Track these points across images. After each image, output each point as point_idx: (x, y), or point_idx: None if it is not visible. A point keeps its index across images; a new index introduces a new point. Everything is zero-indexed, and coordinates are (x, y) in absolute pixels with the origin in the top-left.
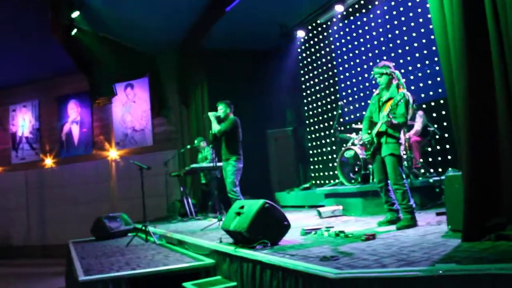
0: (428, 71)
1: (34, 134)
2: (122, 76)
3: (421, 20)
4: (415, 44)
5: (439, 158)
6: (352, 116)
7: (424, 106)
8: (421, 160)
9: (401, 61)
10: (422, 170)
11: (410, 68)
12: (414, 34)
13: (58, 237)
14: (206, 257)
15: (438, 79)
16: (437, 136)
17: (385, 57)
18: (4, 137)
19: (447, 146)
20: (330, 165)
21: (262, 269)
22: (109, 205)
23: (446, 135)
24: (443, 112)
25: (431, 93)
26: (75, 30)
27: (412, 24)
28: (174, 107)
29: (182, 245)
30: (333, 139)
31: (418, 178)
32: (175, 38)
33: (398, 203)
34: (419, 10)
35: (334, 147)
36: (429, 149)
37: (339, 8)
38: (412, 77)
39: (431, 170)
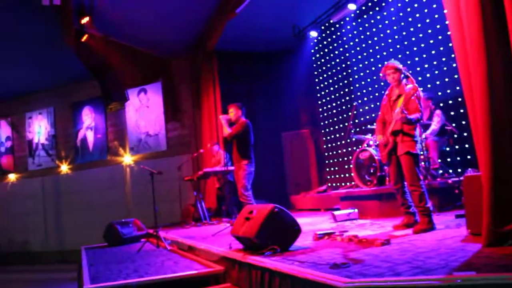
0: (445, 68)
1: (50, 140)
2: (135, 81)
3: (436, 16)
4: (431, 41)
5: (458, 158)
6: (368, 117)
7: (441, 104)
8: (439, 160)
9: (417, 58)
10: (441, 171)
11: (426, 66)
12: (429, 31)
13: (75, 242)
14: (215, 264)
15: (456, 76)
16: (455, 135)
17: (400, 55)
18: (20, 144)
19: (466, 146)
20: (346, 167)
21: (271, 276)
22: (125, 210)
23: (465, 134)
24: (461, 110)
25: (448, 91)
26: (85, 36)
27: (427, 20)
28: (187, 111)
29: (192, 251)
30: (348, 140)
31: (436, 179)
32: (187, 41)
33: (415, 206)
34: (434, 5)
35: (349, 149)
36: (448, 148)
37: (351, 7)
38: (428, 75)
39: (450, 171)
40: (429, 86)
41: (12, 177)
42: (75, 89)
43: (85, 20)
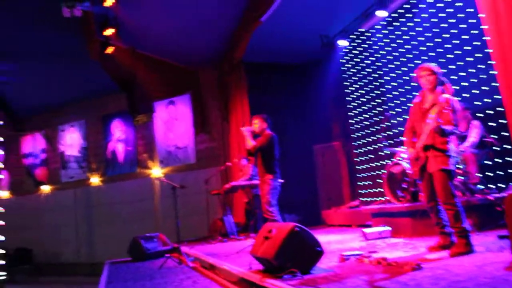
0: (483, 76)
1: (82, 153)
2: (163, 93)
3: (472, 21)
4: (467, 48)
5: (500, 172)
6: (401, 128)
7: (479, 115)
8: (479, 174)
9: (452, 66)
10: (480, 186)
11: (462, 74)
12: (465, 37)
13: (105, 255)
14: (235, 285)
15: (494, 84)
16: (496, 148)
17: (434, 64)
18: (54, 157)
19: (509, 159)
20: (379, 181)
21: None
22: (153, 223)
23: (509, 146)
24: (502, 121)
25: (486, 100)
26: (111, 48)
27: (463, 26)
28: (216, 123)
29: (213, 269)
30: (380, 153)
31: (476, 195)
32: (214, 52)
33: (450, 226)
34: (471, 10)
35: (382, 162)
36: (488, 162)
37: (382, 14)
38: (465, 84)
39: (491, 186)
40: (466, 95)
41: (45, 188)
42: (106, 101)
43: (109, 32)
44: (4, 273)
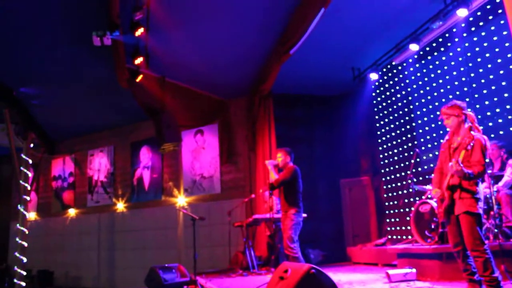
0: None
1: (109, 178)
2: (191, 122)
3: (509, 55)
4: (503, 83)
5: None
6: (432, 165)
7: None
8: None
9: (487, 102)
10: None
11: (497, 110)
12: (501, 72)
13: (126, 281)
14: None
15: None
16: None
17: (467, 99)
18: (82, 181)
19: None
20: (407, 218)
21: None
22: (175, 252)
23: None
24: None
25: None
26: (140, 76)
27: (499, 60)
28: (242, 154)
29: None
30: (409, 190)
31: (510, 239)
32: (243, 84)
33: (479, 275)
34: (506, 44)
35: (411, 199)
36: None
37: (414, 48)
38: (500, 120)
39: None
40: (501, 132)
41: (71, 212)
42: (135, 128)
43: (139, 60)
44: None
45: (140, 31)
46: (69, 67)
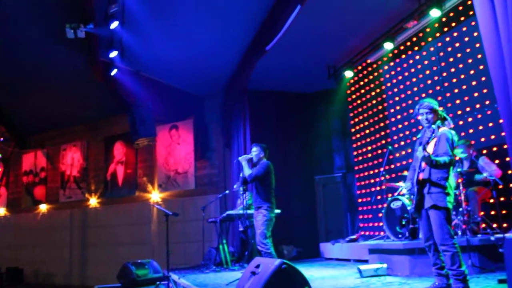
0: (488, 112)
1: (82, 173)
2: (165, 117)
3: (479, 56)
4: (473, 83)
5: (504, 212)
6: (404, 162)
7: (484, 151)
8: (482, 213)
9: (458, 101)
10: (483, 225)
11: (468, 109)
12: (471, 72)
13: (98, 278)
14: None
15: (501, 121)
16: (500, 186)
17: (439, 97)
18: (54, 176)
19: None
20: (380, 215)
21: None
22: (149, 248)
23: None
24: (507, 159)
25: (492, 137)
26: (115, 70)
27: (470, 61)
28: (217, 150)
29: None
30: (381, 186)
31: (477, 235)
32: (219, 80)
33: (447, 268)
34: (477, 45)
35: (384, 196)
36: (491, 201)
37: (388, 46)
38: (470, 119)
39: (494, 225)
40: (471, 131)
41: (43, 207)
42: (109, 123)
43: (113, 54)
44: None
45: (115, 24)
46: (42, 59)
